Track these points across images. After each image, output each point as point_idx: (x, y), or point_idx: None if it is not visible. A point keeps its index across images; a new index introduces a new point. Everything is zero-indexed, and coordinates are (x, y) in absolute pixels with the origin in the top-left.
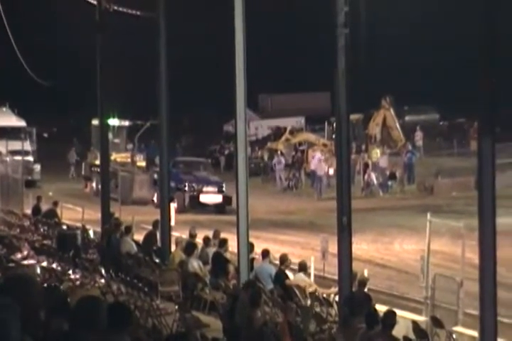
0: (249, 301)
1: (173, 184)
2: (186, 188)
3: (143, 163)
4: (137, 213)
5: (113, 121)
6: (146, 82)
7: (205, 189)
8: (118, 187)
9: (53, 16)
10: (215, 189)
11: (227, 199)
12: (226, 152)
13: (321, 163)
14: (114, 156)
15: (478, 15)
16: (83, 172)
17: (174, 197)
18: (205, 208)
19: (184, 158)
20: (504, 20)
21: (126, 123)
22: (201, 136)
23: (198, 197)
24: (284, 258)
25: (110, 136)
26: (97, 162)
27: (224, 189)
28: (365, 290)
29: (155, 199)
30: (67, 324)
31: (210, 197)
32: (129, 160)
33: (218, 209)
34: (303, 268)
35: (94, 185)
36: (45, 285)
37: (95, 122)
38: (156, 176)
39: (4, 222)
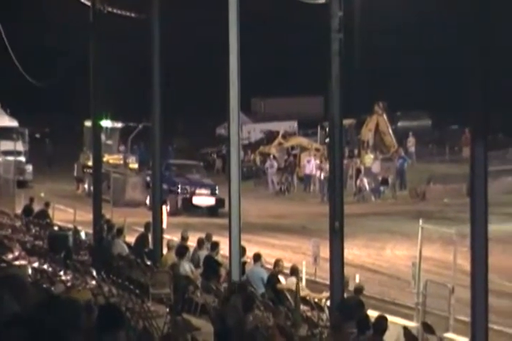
0: (242, 305)
1: (165, 186)
2: (179, 190)
3: (135, 165)
4: (129, 215)
5: (106, 123)
6: (139, 83)
7: (197, 191)
8: (110, 188)
9: (47, 16)
10: (208, 191)
11: (219, 202)
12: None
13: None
14: (106, 158)
15: (472, 21)
16: (75, 174)
17: (167, 200)
18: (197, 211)
19: (177, 161)
20: (497, 26)
21: (119, 124)
22: (194, 138)
23: (191, 200)
24: (277, 263)
25: (103, 137)
26: (90, 163)
27: (217, 191)
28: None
29: (147, 201)
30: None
31: (203, 199)
32: (121, 162)
33: (211, 211)
34: (294, 272)
35: (86, 186)
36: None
37: (88, 123)
38: (148, 178)
39: None
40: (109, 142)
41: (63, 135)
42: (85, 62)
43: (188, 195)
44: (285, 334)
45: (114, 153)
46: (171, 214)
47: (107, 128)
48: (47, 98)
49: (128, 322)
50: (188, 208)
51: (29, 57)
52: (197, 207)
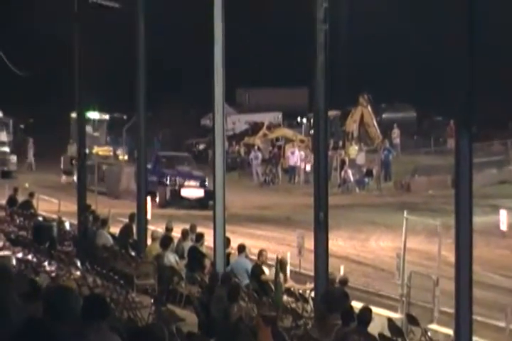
0: (227, 296)
1: (155, 178)
2: (168, 182)
3: (125, 157)
4: (114, 206)
5: (93, 115)
6: (124, 75)
7: (186, 183)
8: (103, 180)
9: (32, 6)
10: (197, 183)
11: (209, 194)
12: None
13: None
14: (96, 149)
15: (459, 12)
16: (62, 166)
17: (156, 192)
18: (186, 203)
19: (167, 153)
20: (485, 18)
21: (107, 116)
22: (179, 129)
23: (180, 192)
24: (260, 253)
25: (90, 129)
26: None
27: (206, 183)
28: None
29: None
30: (41, 311)
31: (192, 191)
32: (111, 153)
33: (200, 204)
34: (281, 264)
35: (75, 178)
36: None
37: (74, 115)
38: None
39: None
40: (96, 134)
41: (47, 126)
42: (71, 52)
43: (176, 187)
44: (270, 324)
45: (102, 144)
46: (160, 206)
47: (94, 120)
48: (31, 88)
49: (113, 312)
50: (177, 200)
51: (13, 47)
52: (186, 199)
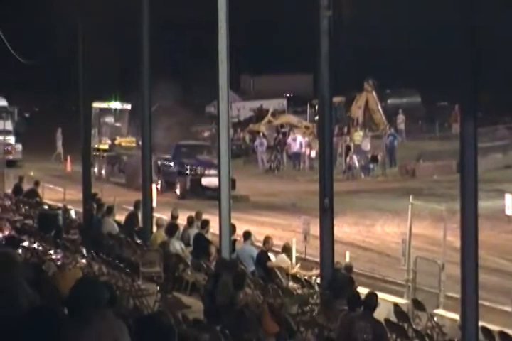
0: (232, 283)
1: (175, 168)
2: (188, 172)
3: None
4: (118, 195)
5: (115, 104)
6: (128, 63)
7: (207, 172)
8: (124, 171)
9: None
10: (217, 172)
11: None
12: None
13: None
14: (118, 140)
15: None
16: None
17: (176, 182)
18: (207, 193)
19: (186, 142)
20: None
21: (129, 106)
22: (181, 116)
23: (200, 181)
24: (266, 240)
25: (112, 119)
26: (101, 146)
27: None
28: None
29: (158, 186)
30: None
31: (213, 180)
32: (134, 144)
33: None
34: (286, 250)
35: (96, 169)
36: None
37: (96, 104)
38: (159, 162)
39: None
40: (118, 124)
41: (52, 115)
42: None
43: (197, 176)
44: (275, 311)
45: (124, 135)
46: (180, 196)
47: (115, 109)
48: (37, 77)
49: (119, 300)
50: (198, 190)
51: (18, 35)
52: (206, 189)
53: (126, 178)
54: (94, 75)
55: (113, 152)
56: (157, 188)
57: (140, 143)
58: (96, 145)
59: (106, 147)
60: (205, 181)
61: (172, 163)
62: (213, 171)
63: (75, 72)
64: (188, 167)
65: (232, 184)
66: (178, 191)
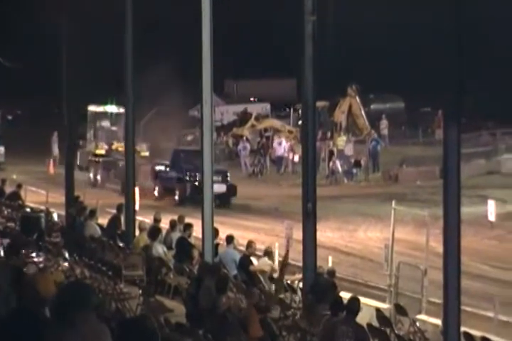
0: (215, 287)
1: (174, 174)
2: (187, 178)
3: (146, 153)
4: (102, 197)
5: (110, 108)
6: (112, 67)
7: None
8: (118, 177)
9: None
10: (219, 178)
11: (231, 189)
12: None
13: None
14: (115, 145)
15: (447, 4)
16: (78, 162)
17: (175, 188)
18: None
19: (185, 148)
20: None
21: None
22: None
23: (200, 187)
24: (249, 244)
25: (108, 123)
26: (98, 151)
27: (229, 178)
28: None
29: (156, 192)
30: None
31: (213, 186)
32: None
33: (222, 200)
34: (268, 253)
35: (91, 175)
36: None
37: (92, 108)
38: (157, 168)
39: None
40: (114, 128)
41: (35, 118)
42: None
43: (196, 183)
44: (263, 313)
45: (121, 140)
46: (180, 203)
47: (111, 113)
48: (20, 80)
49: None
50: (197, 197)
51: (1, 38)
52: None
53: (122, 185)
54: (80, 77)
55: (109, 157)
56: (154, 194)
57: (138, 148)
58: (92, 150)
59: (103, 152)
60: None
61: (170, 169)
62: (214, 177)
63: (59, 74)
64: (188, 173)
65: (234, 190)
66: (176, 197)
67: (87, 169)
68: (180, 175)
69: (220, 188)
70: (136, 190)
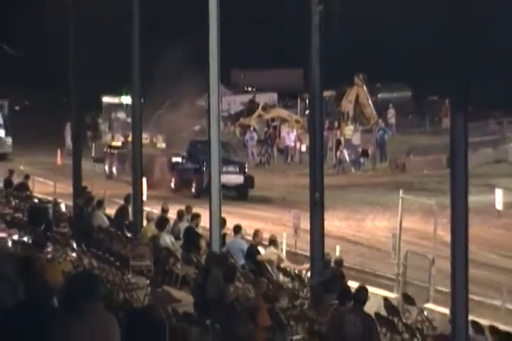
0: (222, 277)
1: (190, 165)
2: (204, 169)
3: (163, 145)
4: (112, 188)
5: (126, 99)
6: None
7: (225, 169)
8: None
9: None
10: (236, 169)
11: (249, 181)
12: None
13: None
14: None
15: None
16: (93, 154)
17: (192, 179)
18: (224, 192)
19: (202, 138)
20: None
21: (141, 100)
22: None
23: None
24: (256, 234)
25: (123, 115)
26: (114, 143)
27: (246, 169)
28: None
29: (172, 184)
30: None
31: (231, 177)
32: (147, 141)
33: (240, 192)
34: (273, 242)
35: (106, 167)
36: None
37: (106, 99)
38: (173, 159)
39: None
40: (130, 120)
41: (43, 108)
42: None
43: None
44: (271, 302)
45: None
46: (196, 194)
47: (127, 104)
48: (27, 69)
49: (109, 293)
50: None
51: (7, 27)
52: (224, 187)
53: None
54: (89, 68)
55: (125, 149)
56: (170, 186)
57: (154, 140)
58: (108, 142)
59: (119, 144)
60: (223, 179)
61: (186, 160)
62: (232, 168)
63: (67, 64)
64: (204, 164)
65: (251, 182)
66: (193, 189)
67: (103, 161)
68: (196, 166)
69: (238, 179)
70: (144, 180)
